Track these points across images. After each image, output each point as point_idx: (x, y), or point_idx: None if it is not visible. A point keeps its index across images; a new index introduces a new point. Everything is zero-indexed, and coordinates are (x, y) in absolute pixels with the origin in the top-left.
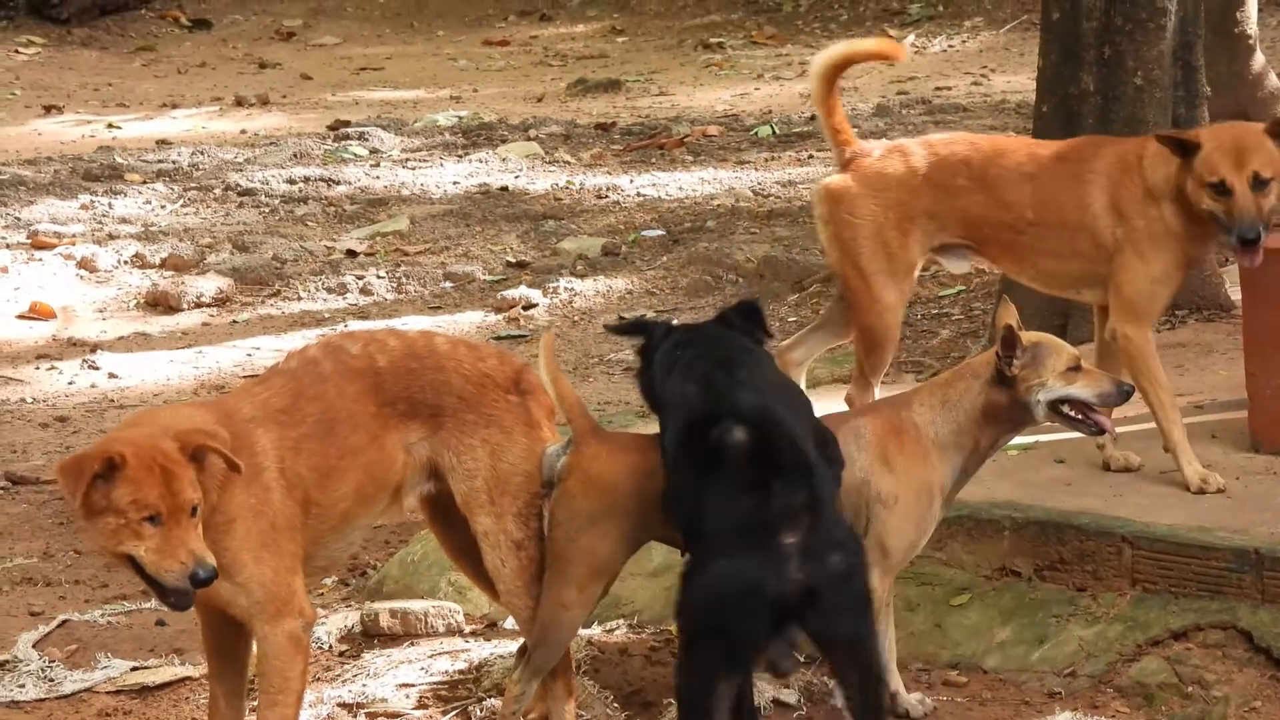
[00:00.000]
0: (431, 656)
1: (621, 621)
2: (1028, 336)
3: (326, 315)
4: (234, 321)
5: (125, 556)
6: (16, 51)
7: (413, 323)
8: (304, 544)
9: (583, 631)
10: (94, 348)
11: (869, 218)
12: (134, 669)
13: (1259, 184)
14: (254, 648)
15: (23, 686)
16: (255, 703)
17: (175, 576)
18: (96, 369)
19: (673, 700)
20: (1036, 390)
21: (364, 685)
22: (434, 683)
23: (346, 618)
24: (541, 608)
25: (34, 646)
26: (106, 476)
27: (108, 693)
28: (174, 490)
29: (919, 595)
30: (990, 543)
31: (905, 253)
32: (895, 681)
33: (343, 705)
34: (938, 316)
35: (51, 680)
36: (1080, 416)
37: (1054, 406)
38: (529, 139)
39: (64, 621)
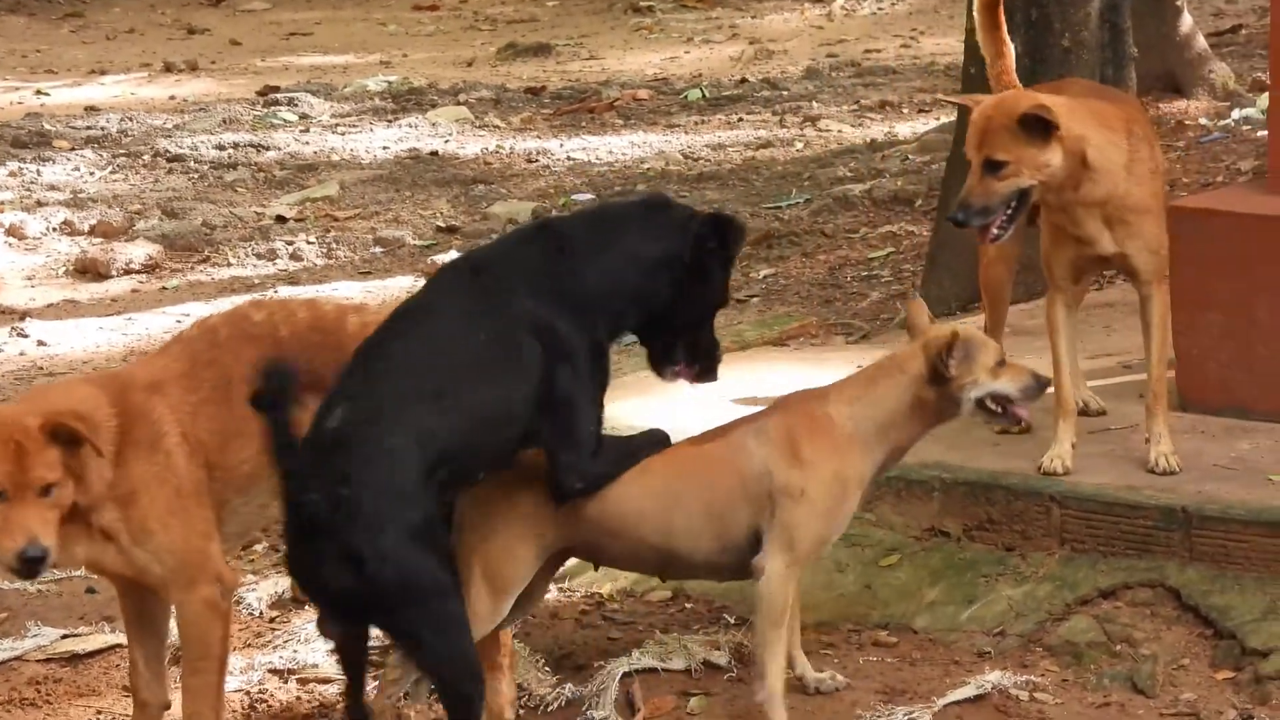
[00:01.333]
0: None
1: (551, 585)
2: (949, 330)
3: (256, 281)
4: (164, 288)
5: None
6: None
7: (343, 288)
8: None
9: None
10: (23, 315)
11: None
12: (64, 636)
13: (990, 166)
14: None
15: None
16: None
17: (7, 555)
18: (25, 336)
19: (603, 662)
20: (969, 388)
21: (295, 651)
22: None
23: (277, 584)
24: None
25: None
26: None
27: (38, 660)
28: (23, 467)
29: (849, 556)
30: (919, 503)
31: None
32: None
33: (274, 671)
34: (867, 278)
35: None
36: (1000, 410)
37: (979, 402)
38: (459, 104)
39: None
